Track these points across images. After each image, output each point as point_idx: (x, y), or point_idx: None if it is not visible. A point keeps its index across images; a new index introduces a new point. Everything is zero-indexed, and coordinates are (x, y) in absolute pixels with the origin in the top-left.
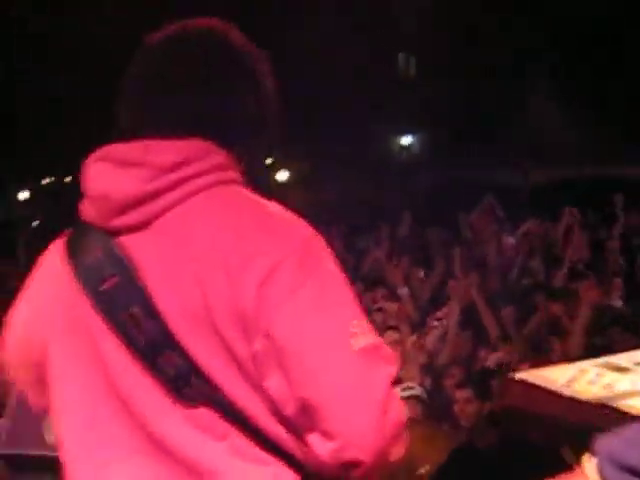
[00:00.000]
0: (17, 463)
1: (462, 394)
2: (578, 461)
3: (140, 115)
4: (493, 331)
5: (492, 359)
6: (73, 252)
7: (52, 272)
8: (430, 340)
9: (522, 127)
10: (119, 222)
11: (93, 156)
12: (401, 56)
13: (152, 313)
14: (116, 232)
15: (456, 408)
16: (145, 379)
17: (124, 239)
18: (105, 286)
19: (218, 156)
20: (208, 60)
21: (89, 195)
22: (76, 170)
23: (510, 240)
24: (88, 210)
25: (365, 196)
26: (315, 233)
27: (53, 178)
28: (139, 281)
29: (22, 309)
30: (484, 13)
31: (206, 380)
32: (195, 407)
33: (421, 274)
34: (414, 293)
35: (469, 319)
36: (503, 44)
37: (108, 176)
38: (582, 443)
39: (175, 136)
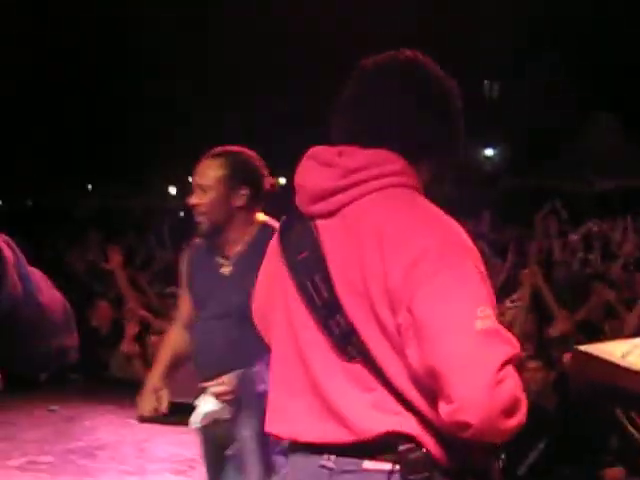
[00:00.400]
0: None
1: (532, 364)
2: (629, 421)
3: (343, 125)
4: (557, 312)
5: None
6: (284, 230)
7: (273, 246)
8: (506, 319)
9: (589, 144)
10: (314, 209)
11: (305, 154)
12: (487, 83)
13: (327, 282)
14: (312, 216)
15: (527, 375)
16: (318, 334)
17: (317, 222)
18: (299, 257)
19: (396, 164)
20: (406, 87)
21: (297, 185)
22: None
23: (574, 237)
24: (296, 198)
25: (455, 197)
26: (460, 233)
27: None
28: (322, 256)
29: (261, 272)
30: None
31: (361, 342)
32: (351, 363)
33: (498, 264)
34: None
35: (536, 302)
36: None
37: (310, 172)
38: (634, 406)
39: (366, 145)
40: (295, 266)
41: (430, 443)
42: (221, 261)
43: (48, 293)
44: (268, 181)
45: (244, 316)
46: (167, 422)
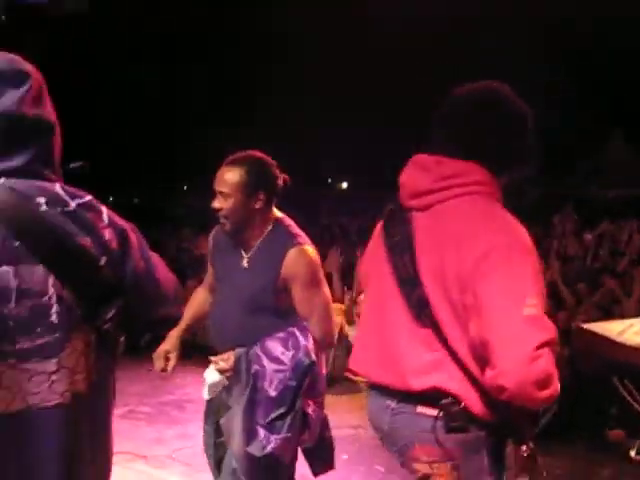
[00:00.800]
0: None
1: None
2: (624, 388)
3: (439, 140)
4: (570, 300)
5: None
6: (387, 218)
7: (378, 227)
8: None
9: (602, 156)
10: (411, 203)
11: (410, 160)
12: None
13: (413, 262)
14: (409, 209)
15: None
16: (399, 301)
17: (413, 214)
18: (395, 239)
19: (479, 175)
20: (489, 112)
21: (400, 184)
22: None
23: (588, 236)
24: (399, 193)
25: None
26: (524, 237)
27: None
28: (412, 241)
29: (368, 245)
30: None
31: (433, 313)
32: (422, 328)
33: None
34: None
35: (553, 291)
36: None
37: (412, 175)
38: (627, 375)
39: (457, 157)
40: (391, 245)
41: (470, 400)
42: (243, 253)
43: (163, 272)
44: (282, 180)
45: (255, 306)
46: None
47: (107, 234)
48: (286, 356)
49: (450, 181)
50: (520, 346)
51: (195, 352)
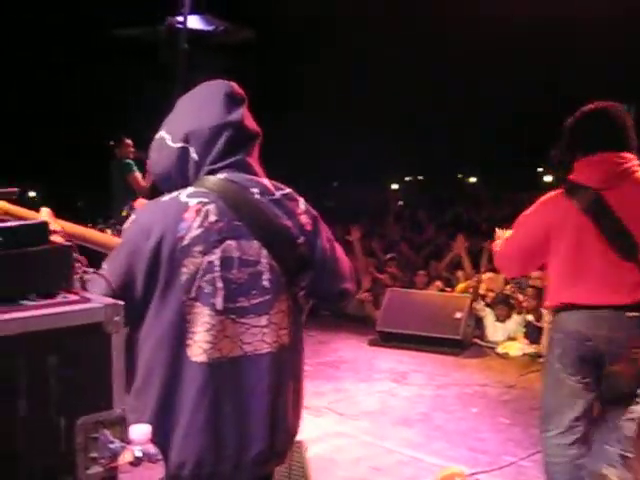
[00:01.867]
0: (386, 338)
1: None
2: None
3: (605, 142)
4: None
5: None
6: (581, 200)
7: (574, 209)
8: None
9: None
10: (604, 185)
11: (594, 159)
12: (625, 106)
13: (617, 220)
14: (600, 190)
15: None
16: (606, 246)
17: (603, 193)
18: (590, 209)
19: (635, 159)
20: (619, 121)
21: (589, 175)
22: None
23: None
24: (577, 177)
25: None
26: None
27: (411, 177)
28: (610, 208)
29: (536, 219)
30: None
31: (637, 250)
32: (627, 262)
33: None
34: None
35: None
36: None
37: (599, 168)
38: None
39: (624, 151)
40: (592, 214)
41: None
42: None
43: (342, 254)
44: None
45: None
46: (387, 345)
47: (303, 219)
48: None
49: (626, 164)
50: None
51: (347, 322)
